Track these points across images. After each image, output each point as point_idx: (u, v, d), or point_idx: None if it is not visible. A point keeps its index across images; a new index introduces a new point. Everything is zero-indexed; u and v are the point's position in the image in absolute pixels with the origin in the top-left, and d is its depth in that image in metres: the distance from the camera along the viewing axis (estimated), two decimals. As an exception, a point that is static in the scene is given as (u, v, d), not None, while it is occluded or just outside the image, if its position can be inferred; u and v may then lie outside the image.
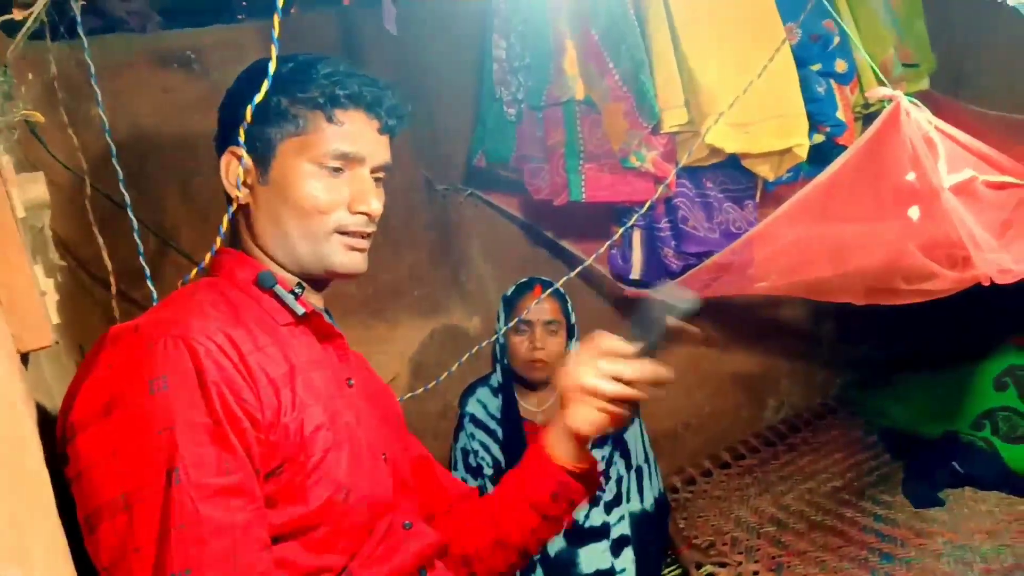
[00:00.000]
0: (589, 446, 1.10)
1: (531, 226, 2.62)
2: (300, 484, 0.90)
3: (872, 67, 1.73)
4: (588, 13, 1.99)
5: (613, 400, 0.99)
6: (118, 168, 1.24)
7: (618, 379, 0.98)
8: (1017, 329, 2.81)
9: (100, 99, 1.21)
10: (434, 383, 1.94)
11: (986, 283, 1.55)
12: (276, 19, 0.93)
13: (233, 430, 0.84)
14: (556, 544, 2.06)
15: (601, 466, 2.08)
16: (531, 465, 1.10)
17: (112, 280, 1.51)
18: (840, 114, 2.04)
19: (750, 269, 2.01)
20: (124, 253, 1.54)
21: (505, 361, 2.15)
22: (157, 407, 0.81)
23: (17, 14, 1.12)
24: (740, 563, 2.38)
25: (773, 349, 3.28)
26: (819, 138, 2.04)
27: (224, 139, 1.03)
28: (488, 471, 2.12)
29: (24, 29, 1.06)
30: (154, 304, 1.14)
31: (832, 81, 2.06)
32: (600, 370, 1.00)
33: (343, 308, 1.14)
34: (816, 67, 2.04)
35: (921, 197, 1.55)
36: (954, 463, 2.68)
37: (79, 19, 1.15)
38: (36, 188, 0.97)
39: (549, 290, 2.01)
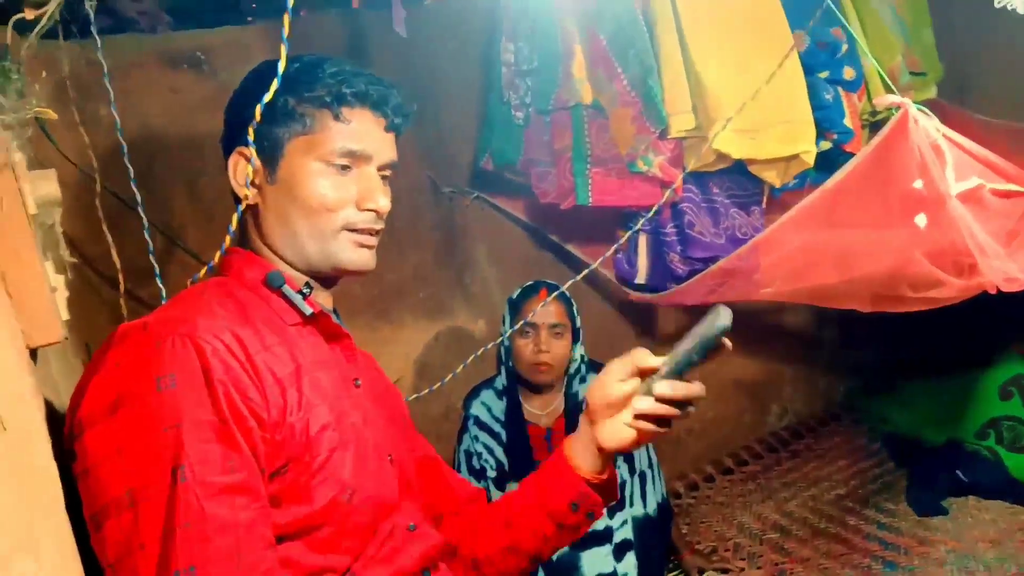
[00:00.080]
0: (615, 461, 1.10)
1: (537, 229, 2.62)
2: (305, 484, 0.90)
3: (880, 74, 1.74)
4: (596, 18, 2.00)
5: (645, 417, 0.96)
6: (129, 167, 1.25)
7: (657, 398, 0.95)
8: (1023, 338, 2.81)
9: (113, 98, 1.21)
10: (438, 385, 1.94)
11: (992, 291, 1.54)
12: (286, 19, 0.93)
13: (239, 429, 0.84)
14: (558, 548, 2.06)
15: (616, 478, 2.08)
16: (552, 474, 1.09)
17: (120, 278, 1.51)
18: (847, 121, 2.04)
19: (756, 275, 2.00)
20: (131, 252, 1.55)
21: (510, 364, 2.15)
22: (164, 405, 0.81)
23: (29, 13, 1.13)
24: (742, 569, 2.37)
25: (777, 355, 3.27)
26: (826, 145, 2.04)
27: (231, 139, 1.03)
28: (491, 473, 2.12)
29: (38, 27, 1.07)
30: (162, 302, 1.15)
31: (840, 88, 2.06)
32: (637, 387, 0.98)
33: (348, 309, 1.14)
34: (824, 74, 2.04)
35: (928, 204, 1.55)
36: (958, 471, 2.67)
37: (92, 19, 1.15)
38: (48, 185, 0.98)
39: (555, 293, 2.01)
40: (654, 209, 1.92)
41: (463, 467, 2.16)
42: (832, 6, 1.61)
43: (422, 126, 2.37)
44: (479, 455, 2.14)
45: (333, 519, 0.92)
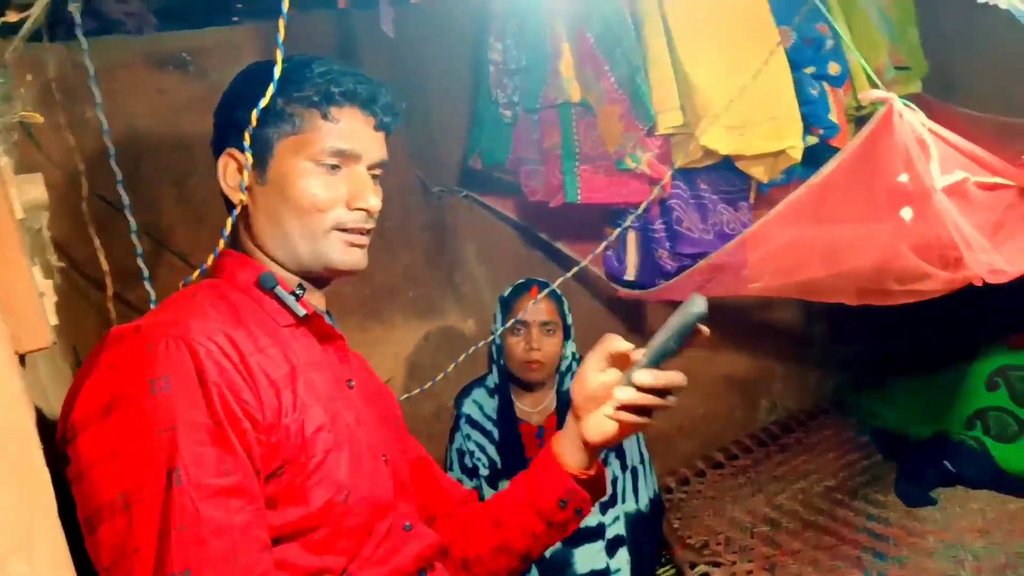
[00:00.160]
0: (601, 456, 1.10)
1: (526, 228, 2.63)
2: (300, 485, 0.90)
3: (866, 69, 1.75)
4: (584, 16, 2.00)
5: (626, 408, 0.96)
6: (116, 169, 1.24)
7: (637, 387, 0.94)
8: (1009, 329, 2.83)
9: (99, 101, 1.21)
10: (429, 384, 1.94)
11: (978, 283, 1.56)
12: (281, 23, 0.93)
13: (234, 431, 0.84)
14: (552, 544, 2.06)
15: (608, 474, 2.09)
16: (540, 471, 1.09)
17: (108, 282, 1.51)
18: (833, 116, 2.06)
19: (744, 270, 2.01)
20: (119, 254, 1.54)
21: (501, 362, 2.16)
22: (158, 407, 0.81)
23: (13, 16, 1.12)
24: (734, 563, 2.39)
25: (766, 350, 3.29)
26: (812, 140, 2.06)
27: (221, 141, 1.03)
28: (484, 472, 2.12)
29: (23, 30, 1.06)
30: (151, 306, 1.14)
31: (825, 84, 2.07)
32: (618, 378, 0.98)
33: (338, 309, 1.14)
34: (809, 70, 2.05)
35: (914, 198, 1.56)
36: (946, 462, 2.69)
37: (78, 21, 1.15)
38: (35, 189, 0.97)
39: (545, 291, 2.01)
40: (643, 206, 1.93)
41: (455, 466, 2.16)
42: (817, 2, 1.62)
43: (411, 126, 2.37)
44: (471, 454, 2.15)
45: (329, 520, 0.92)
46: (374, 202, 1.01)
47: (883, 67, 2.15)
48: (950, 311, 2.08)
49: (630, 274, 2.37)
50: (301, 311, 0.99)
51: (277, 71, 0.95)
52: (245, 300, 0.98)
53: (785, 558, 2.37)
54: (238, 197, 1.01)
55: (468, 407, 2.19)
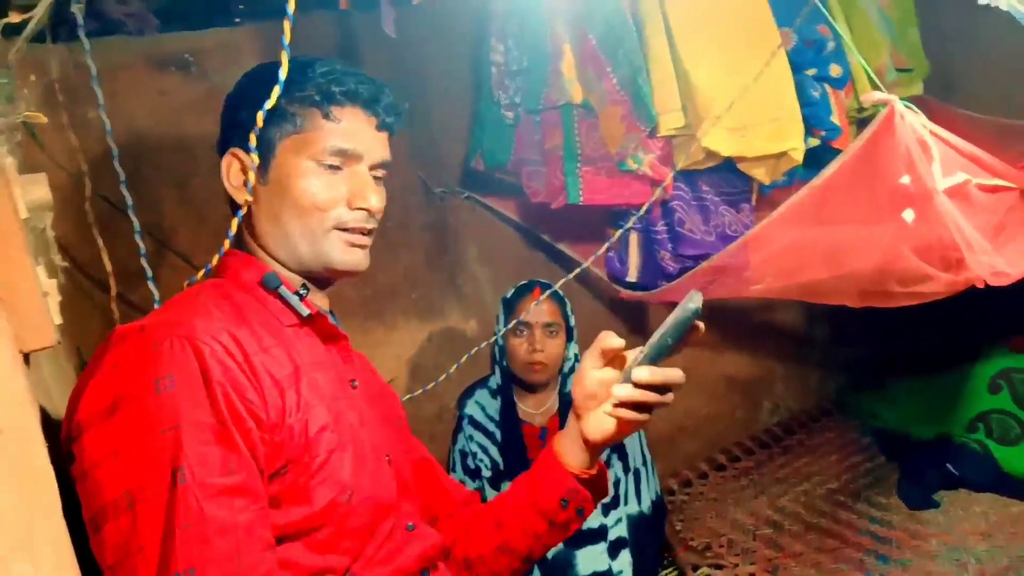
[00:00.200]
0: (604, 457, 1.09)
1: (528, 229, 2.63)
2: (304, 485, 0.90)
3: (867, 71, 1.75)
4: (585, 17, 2.00)
5: (625, 405, 0.95)
6: (119, 170, 1.24)
7: (635, 384, 0.93)
8: (1011, 331, 2.83)
9: (102, 101, 1.21)
10: (432, 385, 1.94)
11: (980, 285, 1.56)
12: (287, 25, 0.93)
13: (238, 430, 0.84)
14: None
15: (611, 476, 2.08)
16: (542, 471, 1.09)
17: (111, 282, 1.51)
18: (835, 118, 2.06)
19: (746, 272, 2.01)
20: (121, 255, 1.54)
21: (504, 363, 2.16)
22: (162, 406, 0.81)
23: (16, 17, 1.12)
24: (736, 565, 2.38)
25: (768, 352, 3.29)
26: (814, 142, 2.06)
27: (225, 142, 1.04)
28: (486, 473, 2.12)
29: (26, 31, 1.07)
30: (154, 305, 1.15)
31: (827, 85, 2.07)
32: (612, 375, 0.98)
33: (340, 310, 1.14)
34: (811, 72, 2.05)
35: (915, 200, 1.56)
36: (948, 465, 2.69)
37: (81, 23, 1.15)
38: (38, 189, 0.97)
39: (548, 292, 2.01)
40: (644, 207, 1.93)
41: (458, 467, 2.16)
42: (819, 4, 1.62)
43: (412, 127, 2.38)
44: (474, 455, 2.15)
45: (332, 520, 0.92)
46: (375, 202, 1.01)
47: (884, 69, 2.15)
48: (952, 313, 2.08)
49: (632, 275, 2.37)
50: (305, 311, 0.99)
51: (283, 72, 0.96)
52: (249, 300, 0.98)
53: (787, 560, 2.36)
54: (242, 197, 1.01)
55: (471, 408, 2.19)
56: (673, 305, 0.93)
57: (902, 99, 1.53)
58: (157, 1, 1.92)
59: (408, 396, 1.99)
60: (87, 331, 1.70)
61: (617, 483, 2.14)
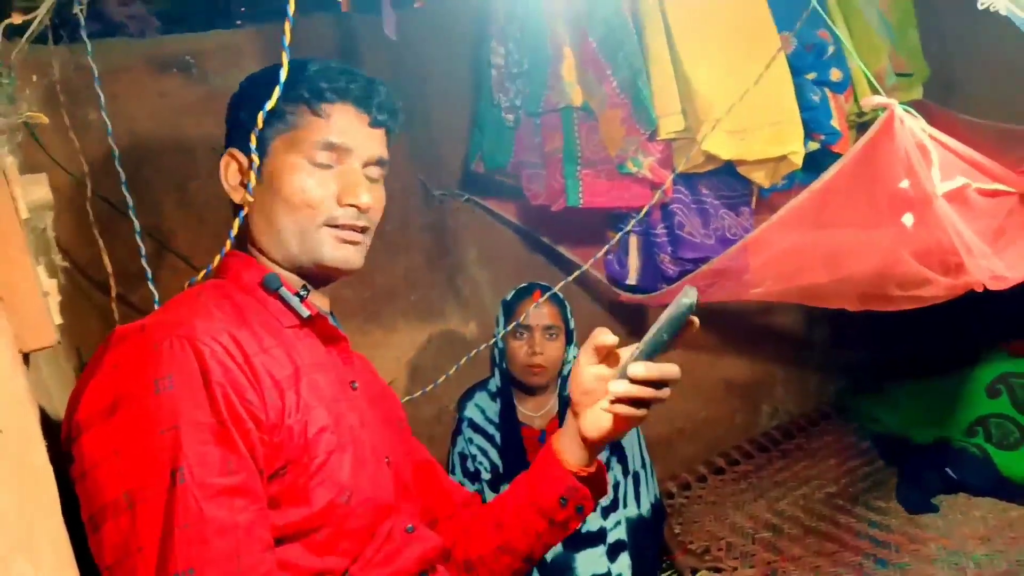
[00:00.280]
0: (605, 456, 1.09)
1: (528, 232, 2.63)
2: (303, 486, 0.90)
3: (867, 75, 1.75)
4: (586, 20, 2.01)
5: (622, 401, 0.95)
6: (120, 171, 1.25)
7: (631, 379, 0.93)
8: (1010, 335, 2.83)
9: (103, 102, 1.21)
10: (431, 387, 1.94)
11: (979, 289, 1.56)
12: (287, 27, 0.94)
13: (237, 430, 0.84)
14: (553, 549, 2.05)
15: (610, 479, 2.08)
16: (541, 470, 1.09)
17: (111, 282, 1.51)
18: (835, 122, 2.06)
19: (745, 275, 2.02)
20: (122, 255, 1.54)
21: (504, 366, 2.16)
22: (162, 407, 0.81)
23: (18, 18, 1.13)
24: (735, 568, 2.38)
25: (767, 355, 3.29)
26: (814, 146, 2.06)
27: (227, 142, 1.06)
28: (486, 476, 2.12)
29: (29, 32, 1.07)
30: (154, 306, 1.15)
31: (827, 90, 2.08)
32: (608, 371, 0.98)
33: (340, 312, 1.14)
34: (811, 76, 2.06)
35: (915, 204, 1.56)
36: (947, 469, 2.69)
37: (83, 24, 1.16)
38: (39, 189, 0.98)
39: (547, 294, 2.01)
40: (644, 210, 1.93)
41: (457, 470, 2.16)
42: (818, 8, 1.62)
43: (412, 129, 2.38)
44: (473, 457, 2.14)
45: (331, 521, 0.92)
46: (365, 199, 1.00)
47: (884, 73, 2.15)
48: (951, 317, 2.08)
49: (632, 278, 2.38)
50: (305, 312, 0.99)
51: (283, 74, 0.96)
52: (249, 301, 0.98)
53: (786, 564, 2.36)
54: (239, 196, 1.02)
55: (470, 411, 2.19)
56: None
57: (902, 103, 1.53)
58: (158, 3, 1.93)
59: (407, 398, 1.99)
60: (87, 331, 1.70)
61: (616, 486, 2.13)
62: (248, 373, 0.88)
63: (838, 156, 1.84)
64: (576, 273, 2.01)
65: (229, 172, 1.04)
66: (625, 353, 0.98)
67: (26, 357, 0.92)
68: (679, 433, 3.02)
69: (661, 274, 2.25)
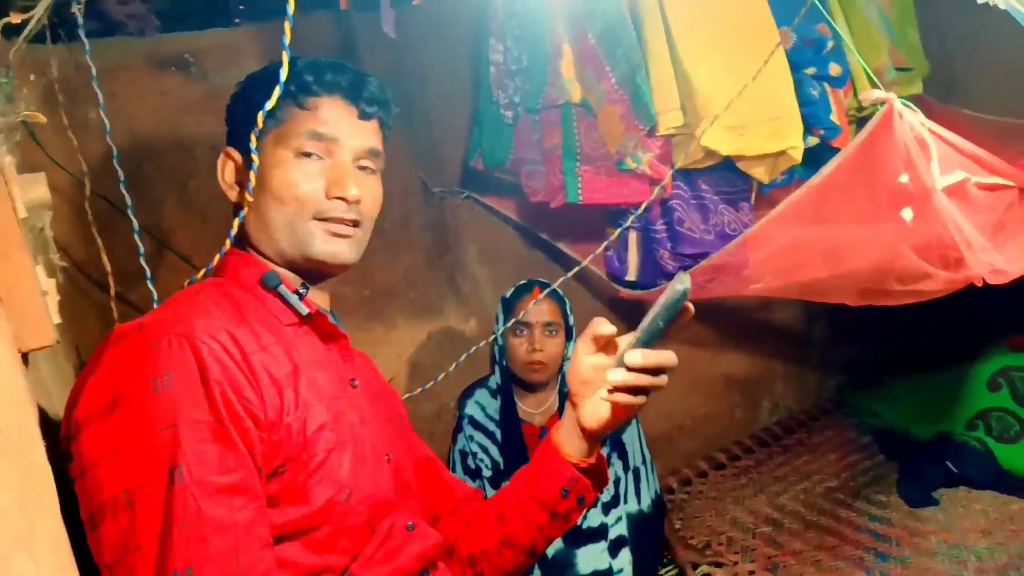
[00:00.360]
0: (606, 450, 1.09)
1: (528, 228, 2.63)
2: (302, 484, 0.90)
3: (866, 70, 1.75)
4: (584, 17, 2.00)
5: (620, 389, 0.94)
6: (119, 170, 1.25)
7: (628, 367, 0.92)
8: (1010, 329, 2.83)
9: (102, 102, 1.21)
10: (431, 384, 1.94)
11: (979, 284, 1.56)
12: (287, 26, 0.94)
13: (236, 429, 0.84)
14: (554, 545, 2.06)
15: (611, 475, 2.09)
16: (541, 462, 1.09)
17: (110, 281, 1.51)
18: (834, 117, 2.06)
19: (745, 270, 2.02)
20: (121, 255, 1.55)
21: (504, 363, 2.16)
22: (160, 405, 0.82)
23: (16, 17, 1.13)
24: (736, 563, 2.38)
25: (767, 351, 3.29)
26: (813, 141, 2.06)
27: (227, 143, 1.06)
28: (487, 473, 2.12)
29: (26, 31, 1.07)
30: (153, 305, 1.15)
31: (826, 84, 2.07)
32: (605, 360, 0.98)
33: (339, 310, 1.14)
34: (810, 71, 2.05)
35: (914, 198, 1.56)
36: (948, 463, 2.69)
37: (81, 22, 1.16)
38: (38, 189, 0.98)
39: (546, 291, 2.01)
40: (643, 206, 1.93)
41: (458, 467, 2.16)
42: (817, 3, 1.62)
43: (412, 127, 2.38)
44: (474, 455, 2.15)
45: (331, 519, 0.92)
46: (353, 191, 1.00)
47: (883, 68, 2.15)
48: (951, 311, 2.08)
49: (631, 274, 2.38)
50: (304, 310, 1.00)
51: (283, 73, 0.96)
52: (249, 298, 0.99)
53: (787, 559, 2.36)
54: (233, 195, 1.03)
55: (471, 408, 2.20)
56: None
57: (901, 98, 1.53)
58: (157, 2, 1.93)
59: (407, 395, 1.99)
60: (86, 331, 1.71)
61: (617, 482, 2.14)
62: (246, 371, 0.88)
63: (837, 151, 1.83)
64: (575, 269, 2.01)
65: (226, 171, 1.05)
66: (622, 343, 0.98)
67: (25, 356, 0.92)
68: (679, 429, 3.03)
69: (661, 270, 2.25)
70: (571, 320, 2.15)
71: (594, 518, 2.09)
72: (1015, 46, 1.60)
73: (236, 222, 1.02)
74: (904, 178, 1.55)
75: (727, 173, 2.14)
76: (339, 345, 1.06)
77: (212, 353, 0.85)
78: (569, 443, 1.06)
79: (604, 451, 2.12)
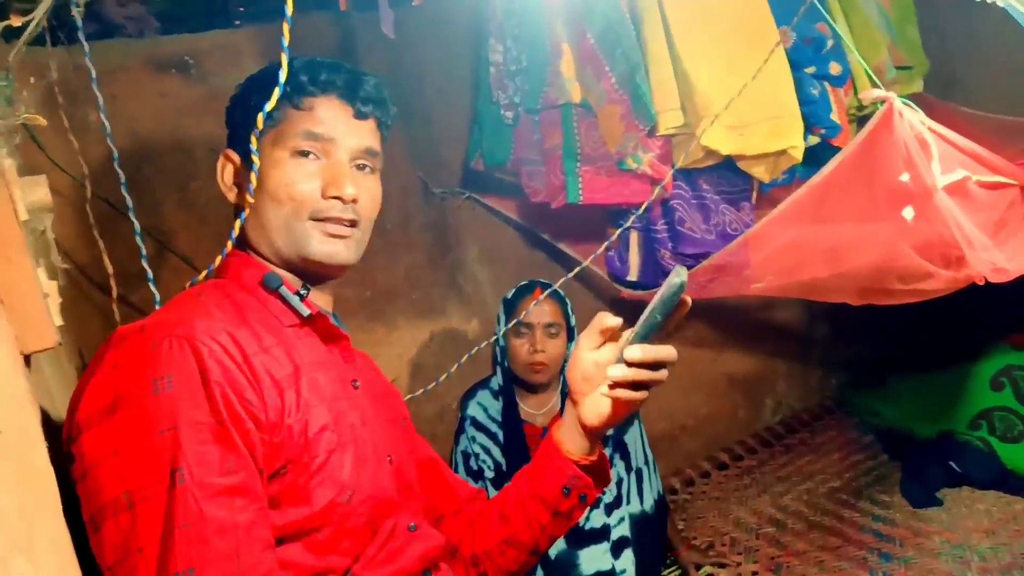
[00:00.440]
0: (607, 448, 1.09)
1: (528, 229, 2.63)
2: (304, 485, 0.90)
3: (865, 69, 1.75)
4: (584, 17, 2.00)
5: (620, 385, 0.94)
6: (120, 172, 1.25)
7: (628, 363, 0.92)
8: (1013, 328, 2.83)
9: (101, 104, 1.21)
10: (433, 384, 1.94)
11: (980, 282, 1.56)
12: (286, 27, 0.94)
13: (236, 430, 0.84)
14: (557, 546, 2.06)
15: (613, 475, 2.08)
16: (543, 461, 1.08)
17: (112, 283, 1.52)
18: (834, 116, 2.06)
19: (746, 270, 2.01)
20: (122, 256, 1.55)
21: (505, 364, 2.16)
22: (161, 407, 0.82)
23: (15, 20, 1.13)
24: (739, 563, 2.38)
25: (769, 350, 3.29)
26: (814, 140, 2.05)
27: (227, 145, 1.06)
28: (489, 474, 2.12)
29: (26, 34, 1.07)
30: (155, 307, 1.15)
31: (826, 83, 2.07)
32: (607, 356, 0.98)
33: (340, 311, 1.14)
34: (810, 70, 2.05)
35: (915, 197, 1.56)
36: (951, 463, 2.69)
37: (80, 25, 1.16)
38: (38, 191, 0.98)
39: (547, 291, 2.01)
40: (644, 206, 1.93)
41: (460, 468, 2.16)
42: (816, 2, 1.62)
43: (412, 127, 2.38)
44: (476, 456, 2.14)
45: (332, 520, 0.92)
46: (350, 190, 0.99)
47: (883, 66, 2.15)
48: (954, 310, 2.07)
49: (633, 275, 2.37)
50: (305, 311, 0.99)
51: (283, 74, 0.96)
52: (250, 300, 0.98)
53: (790, 559, 2.36)
54: (232, 197, 1.03)
55: (473, 409, 2.19)
56: None
57: (902, 97, 1.53)
58: (157, 4, 1.93)
59: (409, 396, 1.99)
60: (88, 332, 1.71)
61: (620, 482, 2.14)
62: (247, 373, 0.88)
63: (838, 150, 1.83)
64: (577, 270, 2.00)
65: (225, 173, 1.05)
66: (622, 339, 0.98)
67: (28, 358, 0.93)
68: (682, 429, 3.03)
69: (662, 270, 2.24)
70: (572, 321, 2.15)
71: (597, 519, 2.09)
72: (1016, 43, 1.60)
73: (237, 224, 1.02)
74: (905, 177, 1.55)
75: (728, 173, 2.13)
76: (340, 346, 1.06)
77: (213, 355, 0.85)
78: (570, 441, 1.06)
79: (607, 452, 2.12)
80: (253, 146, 0.98)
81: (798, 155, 1.97)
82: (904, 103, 1.51)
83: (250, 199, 1.00)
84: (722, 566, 2.38)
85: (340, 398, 1.00)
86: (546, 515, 1.08)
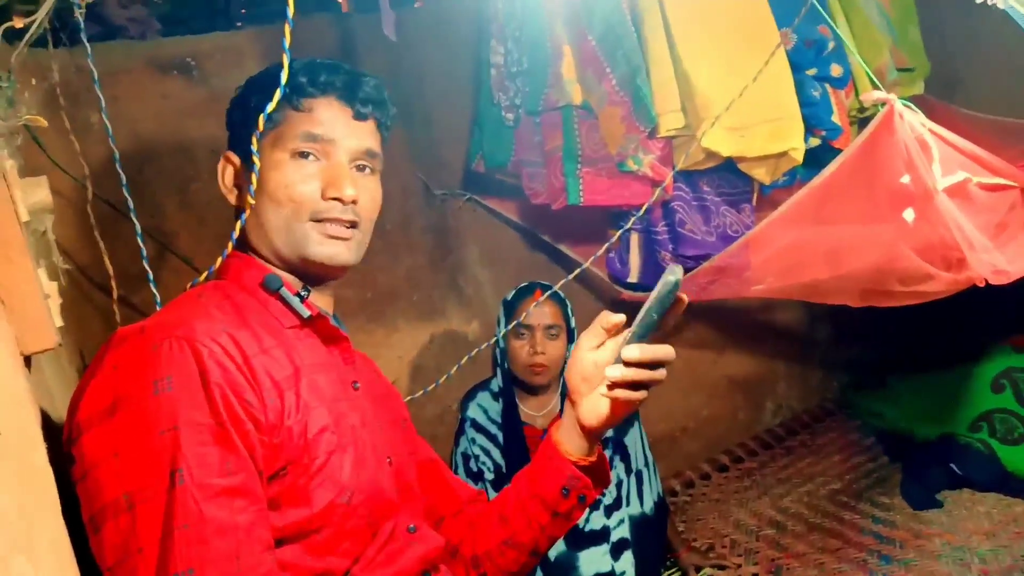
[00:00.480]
0: (607, 449, 1.08)
1: (529, 230, 2.63)
2: (303, 486, 0.90)
3: (867, 71, 1.75)
4: (585, 19, 2.01)
5: (619, 385, 0.94)
6: (121, 173, 1.25)
7: (626, 363, 0.92)
8: (1013, 330, 2.83)
9: (104, 105, 1.22)
10: (433, 386, 1.94)
11: (981, 284, 1.56)
12: (287, 29, 0.94)
13: (236, 431, 0.84)
14: (556, 548, 2.06)
15: (613, 477, 2.08)
16: (542, 461, 1.08)
17: (113, 284, 1.52)
18: (835, 118, 2.06)
19: (747, 272, 2.01)
20: (123, 257, 1.55)
21: (505, 365, 2.16)
22: (161, 408, 0.82)
23: (18, 22, 1.13)
24: (739, 565, 2.38)
25: (770, 352, 3.29)
26: (815, 142, 2.05)
27: (228, 147, 1.07)
28: (489, 476, 2.12)
29: (28, 36, 1.08)
30: (157, 307, 1.15)
31: (827, 85, 2.07)
32: (606, 356, 0.97)
33: (341, 312, 1.14)
34: (811, 72, 2.05)
35: (915, 199, 1.56)
36: (952, 465, 2.68)
37: (82, 26, 1.16)
38: (39, 192, 0.98)
39: (548, 293, 2.01)
40: (644, 208, 1.93)
41: (460, 470, 2.16)
42: (817, 5, 1.62)
43: (413, 129, 2.38)
44: (476, 458, 2.15)
45: (332, 522, 0.92)
46: (349, 191, 0.99)
47: (885, 68, 2.15)
48: (954, 312, 2.07)
49: (633, 276, 2.38)
50: (305, 312, 0.99)
51: (284, 76, 0.96)
52: (250, 301, 0.99)
53: (790, 561, 2.36)
54: (232, 198, 1.03)
55: (473, 411, 2.19)
56: None
57: (903, 98, 1.53)
58: (159, 5, 1.94)
59: (409, 397, 1.99)
60: (89, 333, 1.71)
61: (619, 484, 2.13)
62: (247, 374, 0.88)
63: (839, 152, 1.83)
64: (577, 271, 2.00)
65: (225, 175, 1.05)
66: (620, 339, 0.98)
67: (28, 359, 0.93)
68: (682, 431, 3.02)
69: (662, 272, 2.24)
70: (573, 322, 2.15)
71: (596, 521, 2.08)
72: (1016, 45, 1.60)
73: (237, 225, 1.02)
74: (905, 179, 1.55)
75: (728, 174, 2.13)
76: (341, 347, 1.06)
77: (212, 356, 0.85)
78: (569, 441, 1.06)
79: (607, 454, 2.12)
80: (253, 148, 0.98)
81: (799, 157, 1.97)
82: (905, 105, 1.51)
83: (250, 200, 1.00)
84: (722, 568, 2.38)
85: (340, 399, 1.00)
86: (545, 516, 1.08)
